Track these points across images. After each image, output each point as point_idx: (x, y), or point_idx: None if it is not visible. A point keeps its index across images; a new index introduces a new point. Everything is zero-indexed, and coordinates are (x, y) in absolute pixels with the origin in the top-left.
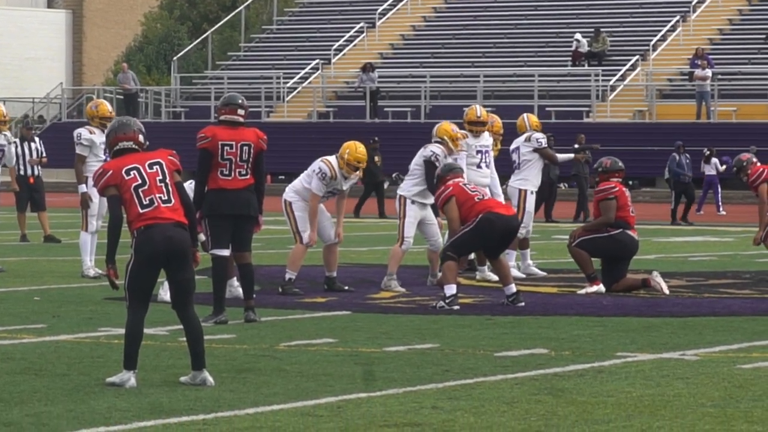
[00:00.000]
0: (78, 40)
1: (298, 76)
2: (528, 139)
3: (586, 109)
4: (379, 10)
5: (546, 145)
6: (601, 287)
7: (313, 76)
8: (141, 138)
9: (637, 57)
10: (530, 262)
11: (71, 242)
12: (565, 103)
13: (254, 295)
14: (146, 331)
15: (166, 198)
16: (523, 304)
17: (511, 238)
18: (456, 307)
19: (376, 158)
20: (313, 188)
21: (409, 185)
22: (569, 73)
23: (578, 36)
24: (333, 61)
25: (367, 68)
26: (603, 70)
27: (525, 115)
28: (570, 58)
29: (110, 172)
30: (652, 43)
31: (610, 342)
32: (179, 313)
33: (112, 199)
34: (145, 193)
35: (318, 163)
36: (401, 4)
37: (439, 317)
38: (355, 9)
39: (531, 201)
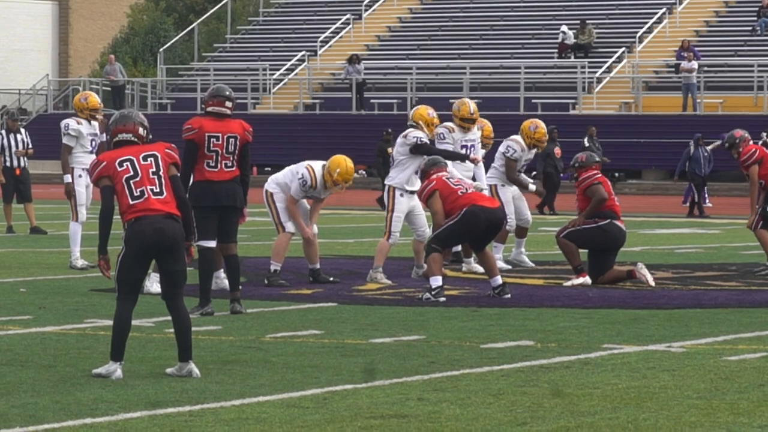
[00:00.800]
0: (64, 31)
1: (284, 67)
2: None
3: (573, 101)
4: (365, 2)
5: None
6: (587, 279)
7: (299, 67)
8: (141, 130)
9: (623, 49)
10: (523, 249)
11: (58, 233)
12: (551, 95)
13: (240, 287)
14: (133, 322)
15: (158, 190)
16: (509, 295)
17: (496, 230)
18: (442, 299)
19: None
20: (292, 191)
21: (397, 174)
22: (555, 65)
23: (564, 28)
24: (319, 53)
25: (354, 60)
26: (589, 62)
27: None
28: (556, 50)
29: (104, 163)
30: (638, 35)
31: (596, 334)
32: (168, 304)
33: (105, 190)
34: (137, 185)
35: (302, 169)
36: None
37: (425, 309)
38: (341, 1)
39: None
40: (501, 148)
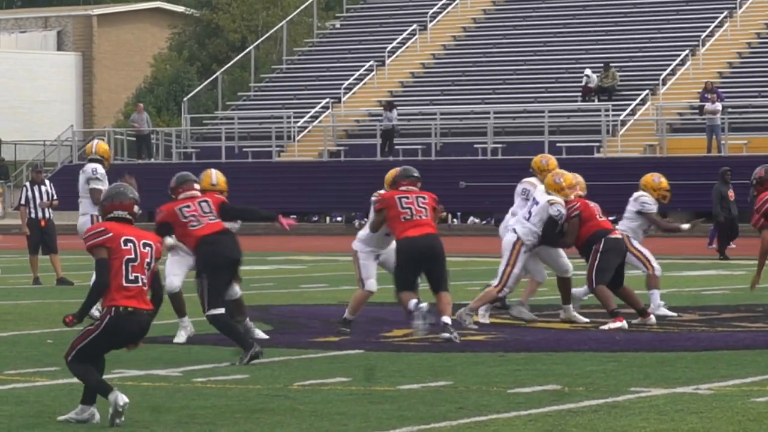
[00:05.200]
0: (88, 82)
1: (309, 115)
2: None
3: (597, 144)
4: (388, 49)
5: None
6: (624, 324)
7: (324, 115)
8: (136, 208)
9: (647, 91)
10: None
11: (84, 284)
12: (575, 139)
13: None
14: (160, 372)
15: (146, 282)
16: (449, 336)
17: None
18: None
19: None
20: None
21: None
22: (579, 108)
23: (588, 71)
24: (343, 99)
25: (389, 106)
26: (613, 105)
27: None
28: (580, 94)
29: (110, 234)
30: (661, 77)
31: (623, 377)
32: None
33: (103, 263)
34: (134, 269)
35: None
36: (410, 42)
37: (452, 354)
38: (364, 48)
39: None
40: (636, 206)
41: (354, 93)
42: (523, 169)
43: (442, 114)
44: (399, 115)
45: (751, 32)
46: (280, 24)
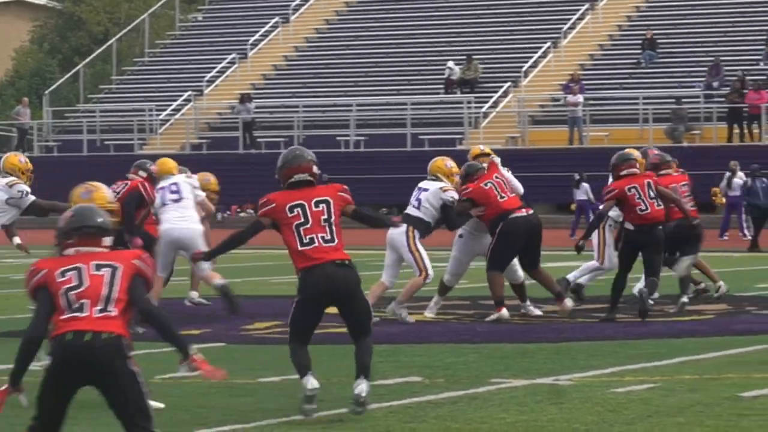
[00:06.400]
0: None
1: (171, 108)
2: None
3: (460, 136)
4: (250, 41)
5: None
6: (504, 313)
7: (186, 107)
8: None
9: (509, 84)
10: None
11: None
12: (438, 131)
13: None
14: None
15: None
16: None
17: None
18: None
19: None
20: None
21: None
22: (442, 100)
23: (450, 64)
24: (205, 92)
25: (245, 99)
26: (475, 98)
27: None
28: (443, 86)
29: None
30: (523, 69)
31: (484, 368)
32: None
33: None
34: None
35: None
36: (273, 34)
37: (315, 347)
38: (226, 40)
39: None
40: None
41: (216, 86)
42: (385, 162)
43: (304, 106)
44: (262, 107)
45: (613, 24)
46: (143, 16)
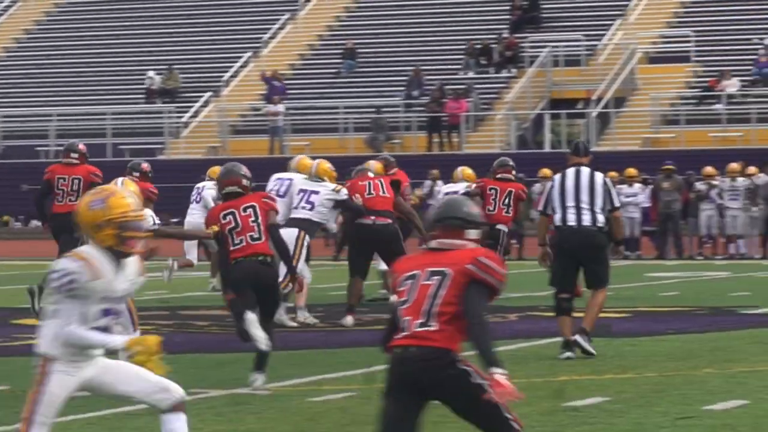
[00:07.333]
0: None
1: None
2: None
3: (160, 146)
4: None
5: None
6: (349, 319)
7: None
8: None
9: (209, 93)
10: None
11: None
12: (138, 141)
13: None
14: None
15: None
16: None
17: None
18: None
19: None
20: None
21: None
22: (142, 110)
23: (151, 73)
24: None
25: None
26: (176, 107)
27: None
28: (143, 96)
29: None
30: (224, 78)
31: (182, 379)
32: None
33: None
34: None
35: None
36: None
37: (8, 359)
38: None
39: None
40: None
41: None
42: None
43: (3, 117)
44: None
45: (314, 34)
46: None
